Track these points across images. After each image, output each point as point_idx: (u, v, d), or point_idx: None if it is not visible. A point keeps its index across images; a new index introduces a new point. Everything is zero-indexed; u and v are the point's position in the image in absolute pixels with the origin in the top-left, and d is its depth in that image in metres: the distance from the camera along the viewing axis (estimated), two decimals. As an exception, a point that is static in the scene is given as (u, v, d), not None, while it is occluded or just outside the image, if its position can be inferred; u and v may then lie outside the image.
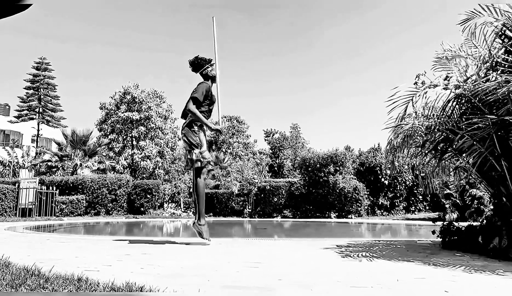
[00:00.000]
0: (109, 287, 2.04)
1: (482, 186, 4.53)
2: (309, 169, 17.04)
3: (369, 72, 57.53)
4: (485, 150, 3.69)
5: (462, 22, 4.31)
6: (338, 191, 16.09)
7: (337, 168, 16.67)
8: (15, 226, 8.98)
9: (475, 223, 4.40)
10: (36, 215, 14.21)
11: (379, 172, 17.46)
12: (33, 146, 37.26)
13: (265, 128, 42.96)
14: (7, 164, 31.33)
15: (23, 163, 30.87)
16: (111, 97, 32.42)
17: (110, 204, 16.71)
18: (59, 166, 22.77)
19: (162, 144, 32.11)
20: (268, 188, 17.23)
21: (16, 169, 30.18)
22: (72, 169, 21.84)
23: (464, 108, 4.00)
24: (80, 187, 16.62)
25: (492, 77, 3.55)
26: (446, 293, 2.04)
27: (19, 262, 2.78)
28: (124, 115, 30.55)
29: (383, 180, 17.27)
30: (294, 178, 20.52)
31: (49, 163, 23.49)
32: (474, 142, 3.71)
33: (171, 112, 33.62)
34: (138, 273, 2.63)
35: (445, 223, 4.47)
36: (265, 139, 41.88)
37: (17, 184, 15.15)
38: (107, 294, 1.87)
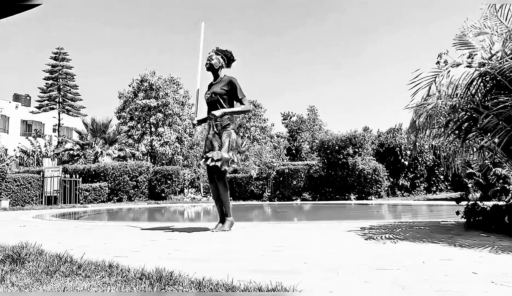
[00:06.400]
0: (139, 272, 2.10)
1: (508, 165, 4.44)
2: (328, 151, 16.95)
3: (386, 52, 56.47)
4: (512, 129, 3.60)
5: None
6: (357, 172, 15.99)
7: (356, 150, 16.53)
8: (42, 213, 9.26)
9: (500, 202, 4.32)
10: (61, 203, 14.62)
11: (399, 152, 17.25)
12: (55, 136, 38.00)
13: (282, 111, 42.81)
14: (30, 154, 32.15)
15: (46, 152, 31.65)
16: (129, 85, 32.75)
17: (132, 191, 17.03)
18: (80, 154, 23.27)
19: (180, 131, 32.38)
20: (287, 171, 17.24)
21: (40, 158, 30.96)
22: (93, 157, 22.28)
23: (489, 86, 3.89)
24: (102, 174, 16.99)
25: (519, 53, 3.44)
26: (474, 274, 2.03)
27: (51, 249, 2.88)
28: (142, 102, 30.86)
29: (403, 160, 17.08)
30: (313, 160, 20.47)
31: (71, 152, 24.03)
32: (500, 122, 3.62)
33: (188, 98, 33.78)
34: (166, 259, 2.70)
35: (469, 203, 4.39)
36: (283, 122, 41.75)
37: (41, 173, 15.57)
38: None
